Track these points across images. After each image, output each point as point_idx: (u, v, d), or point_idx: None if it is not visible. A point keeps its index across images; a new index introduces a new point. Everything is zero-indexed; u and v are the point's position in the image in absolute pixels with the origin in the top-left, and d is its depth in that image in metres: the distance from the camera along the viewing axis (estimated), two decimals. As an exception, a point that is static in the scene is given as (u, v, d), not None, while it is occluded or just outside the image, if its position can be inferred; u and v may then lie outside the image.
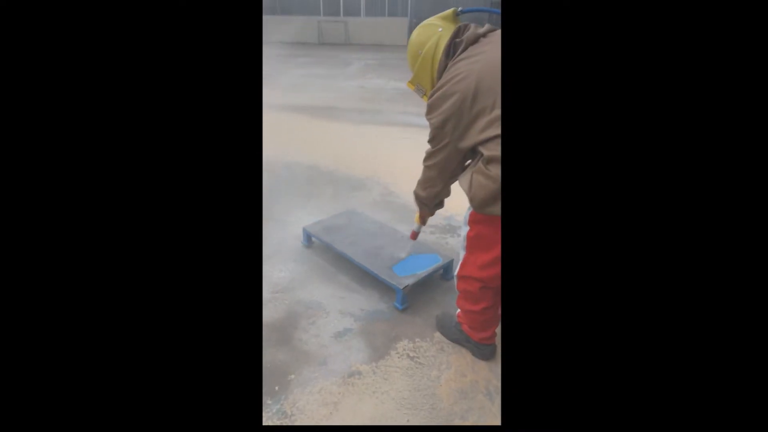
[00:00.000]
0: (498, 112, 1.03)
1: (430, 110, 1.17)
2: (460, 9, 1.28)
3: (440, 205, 1.44)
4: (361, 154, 3.51)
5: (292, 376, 1.40)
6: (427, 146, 1.26)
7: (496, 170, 1.05)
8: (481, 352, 1.47)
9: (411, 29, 12.45)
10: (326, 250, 2.11)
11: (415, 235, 1.67)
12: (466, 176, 1.17)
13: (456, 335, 1.53)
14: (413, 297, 1.77)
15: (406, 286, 1.66)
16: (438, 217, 2.48)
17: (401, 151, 3.60)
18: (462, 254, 1.33)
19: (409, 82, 1.34)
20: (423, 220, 1.57)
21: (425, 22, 1.29)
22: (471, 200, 1.14)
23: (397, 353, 1.51)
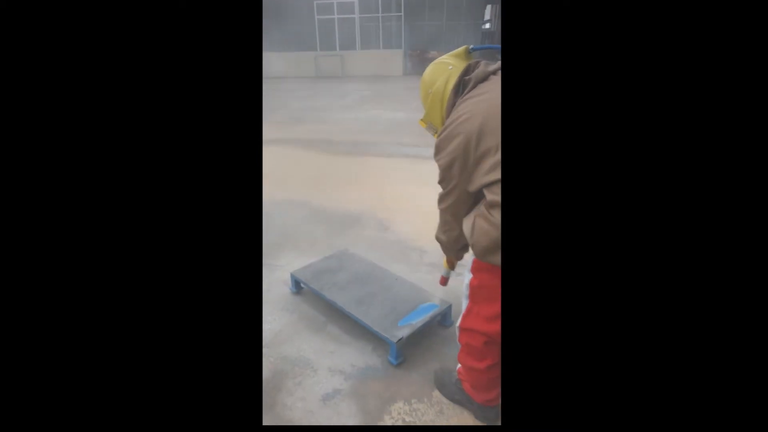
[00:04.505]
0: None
1: (437, 151, 1.11)
2: (472, 46, 1.23)
3: (465, 248, 1.32)
4: (355, 188, 3.43)
5: (273, 452, 1.25)
6: (438, 187, 1.18)
7: (499, 216, 0.96)
8: (484, 415, 1.31)
9: (405, 61, 12.71)
10: (316, 296, 1.97)
11: (444, 281, 1.54)
12: (468, 220, 1.08)
13: (457, 395, 1.38)
14: (409, 348, 1.62)
15: (399, 339, 1.52)
16: (434, 252, 2.36)
17: (396, 183, 3.52)
18: (465, 303, 1.21)
19: (421, 120, 1.29)
20: (451, 265, 1.46)
21: (437, 59, 1.25)
22: (472, 246, 1.04)
23: (392, 418, 1.36)
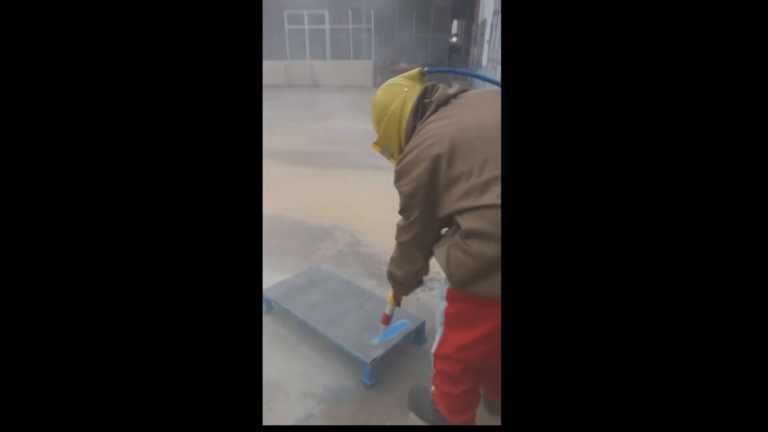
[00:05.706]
0: (476, 180, 0.92)
1: (400, 177, 1.05)
2: (426, 69, 1.21)
3: (420, 283, 1.27)
4: (327, 201, 3.39)
5: (241, 487, 1.18)
6: (398, 216, 1.11)
7: (476, 246, 0.92)
8: (461, 436, 1.29)
9: (375, 72, 12.82)
10: (287, 315, 1.91)
11: (387, 319, 1.47)
12: (441, 249, 1.02)
13: (432, 416, 1.35)
14: (383, 367, 1.59)
15: (373, 360, 1.49)
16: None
17: (369, 195, 3.50)
18: (440, 330, 1.18)
19: (375, 143, 1.24)
20: (398, 302, 1.39)
21: (389, 81, 1.21)
22: (450, 278, 0.99)
23: (366, 443, 1.32)
